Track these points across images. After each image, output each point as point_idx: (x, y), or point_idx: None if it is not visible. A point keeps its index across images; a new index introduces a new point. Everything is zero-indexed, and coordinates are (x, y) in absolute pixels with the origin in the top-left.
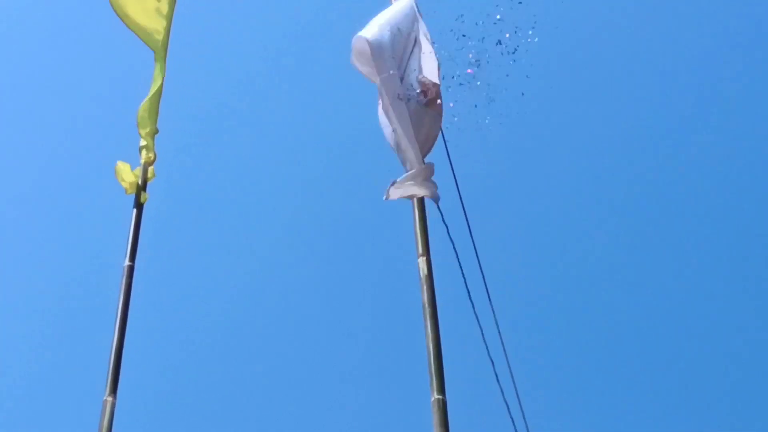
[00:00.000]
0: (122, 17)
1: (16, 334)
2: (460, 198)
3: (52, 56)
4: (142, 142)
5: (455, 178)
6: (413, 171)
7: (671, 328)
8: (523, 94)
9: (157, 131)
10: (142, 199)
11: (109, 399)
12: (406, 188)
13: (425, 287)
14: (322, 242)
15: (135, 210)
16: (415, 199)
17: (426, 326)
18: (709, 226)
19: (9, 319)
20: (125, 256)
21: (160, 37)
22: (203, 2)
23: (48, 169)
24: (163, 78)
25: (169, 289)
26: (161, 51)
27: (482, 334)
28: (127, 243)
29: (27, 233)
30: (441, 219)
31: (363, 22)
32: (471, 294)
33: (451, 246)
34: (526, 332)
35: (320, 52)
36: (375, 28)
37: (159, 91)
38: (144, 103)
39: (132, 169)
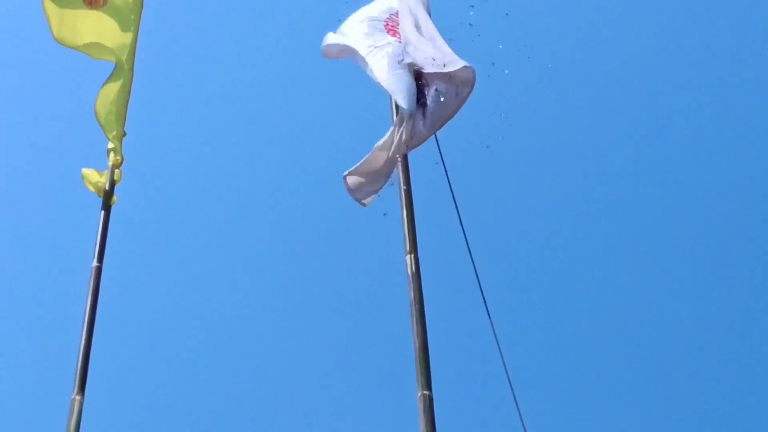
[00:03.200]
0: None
1: None
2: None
3: (21, 61)
4: (110, 145)
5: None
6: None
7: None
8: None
9: (124, 134)
10: (111, 202)
11: (77, 398)
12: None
13: (413, 284)
14: (309, 240)
15: (103, 212)
16: (403, 197)
17: (413, 323)
18: (701, 225)
19: None
20: (93, 257)
21: (127, 43)
22: (171, 4)
23: (16, 170)
24: (131, 80)
25: (137, 289)
26: (129, 57)
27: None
28: (95, 244)
29: None
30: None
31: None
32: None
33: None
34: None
35: (293, 51)
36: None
37: (127, 94)
38: (110, 106)
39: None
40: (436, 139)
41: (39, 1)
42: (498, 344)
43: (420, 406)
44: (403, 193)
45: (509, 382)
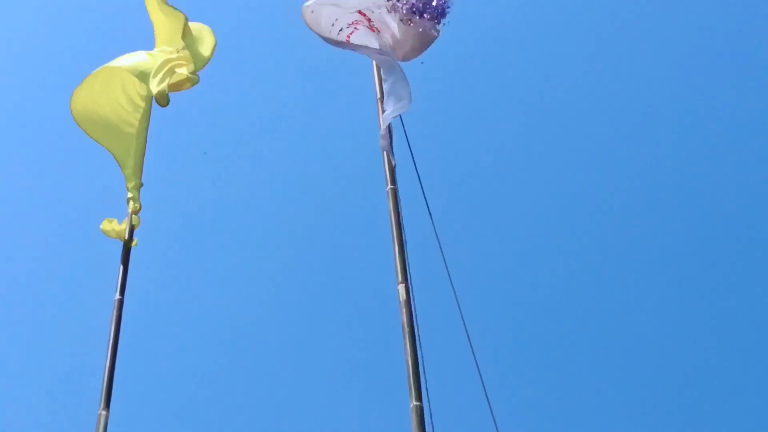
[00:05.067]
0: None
1: (18, 351)
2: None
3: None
4: (129, 194)
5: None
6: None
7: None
8: None
9: (141, 185)
10: (132, 245)
11: (103, 413)
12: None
13: (404, 310)
14: (310, 269)
15: (123, 252)
16: (394, 233)
17: (405, 344)
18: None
19: (12, 339)
20: (116, 291)
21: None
22: None
23: (47, 206)
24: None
25: (154, 317)
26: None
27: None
28: (117, 279)
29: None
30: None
31: None
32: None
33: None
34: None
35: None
36: None
37: (143, 148)
38: (128, 158)
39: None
40: (415, 165)
41: None
42: (474, 356)
43: (412, 416)
44: (394, 225)
45: (485, 390)
